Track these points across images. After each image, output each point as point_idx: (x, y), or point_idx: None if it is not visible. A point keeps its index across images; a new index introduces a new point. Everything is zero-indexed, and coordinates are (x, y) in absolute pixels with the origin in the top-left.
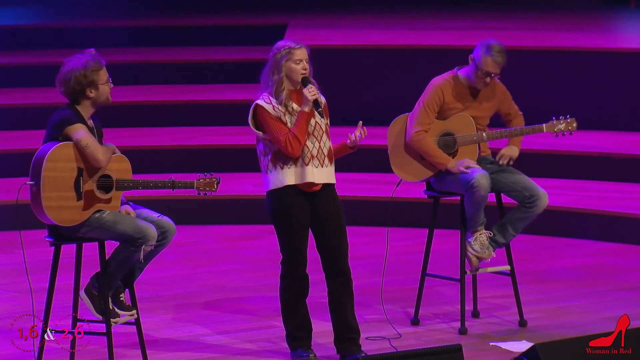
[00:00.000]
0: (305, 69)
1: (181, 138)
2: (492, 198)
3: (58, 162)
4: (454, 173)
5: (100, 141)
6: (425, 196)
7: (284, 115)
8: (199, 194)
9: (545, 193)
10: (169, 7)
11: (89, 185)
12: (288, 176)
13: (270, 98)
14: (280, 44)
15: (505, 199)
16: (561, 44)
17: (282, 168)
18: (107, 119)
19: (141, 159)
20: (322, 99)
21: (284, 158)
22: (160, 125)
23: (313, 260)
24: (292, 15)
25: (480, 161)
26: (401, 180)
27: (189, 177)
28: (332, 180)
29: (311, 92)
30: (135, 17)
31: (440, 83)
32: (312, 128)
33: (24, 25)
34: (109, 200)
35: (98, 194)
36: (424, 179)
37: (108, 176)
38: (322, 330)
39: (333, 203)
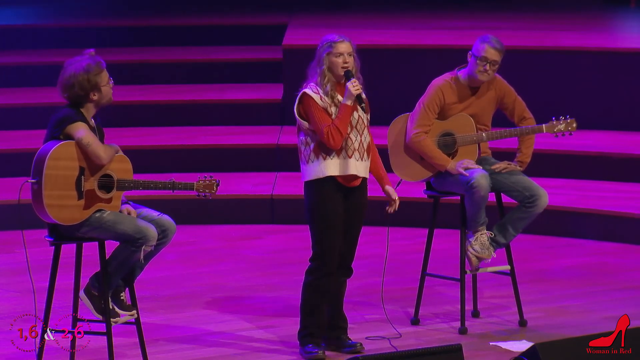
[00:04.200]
0: (346, 63)
1: (181, 138)
2: (492, 198)
3: (60, 160)
4: (453, 174)
5: (101, 140)
6: (425, 196)
7: (330, 106)
8: (198, 195)
9: (546, 193)
10: (169, 7)
11: (90, 184)
12: (330, 167)
13: (318, 88)
14: (325, 37)
15: (506, 198)
16: (561, 43)
17: (324, 159)
18: (107, 119)
19: (141, 159)
20: (363, 96)
21: (326, 149)
22: (160, 125)
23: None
24: (292, 15)
25: (481, 161)
26: (401, 180)
27: (189, 177)
28: (367, 175)
29: (355, 86)
30: (135, 16)
31: (440, 84)
32: (355, 121)
33: (24, 25)
34: (109, 200)
35: (99, 193)
36: (424, 179)
37: (109, 176)
38: None
39: (362, 200)
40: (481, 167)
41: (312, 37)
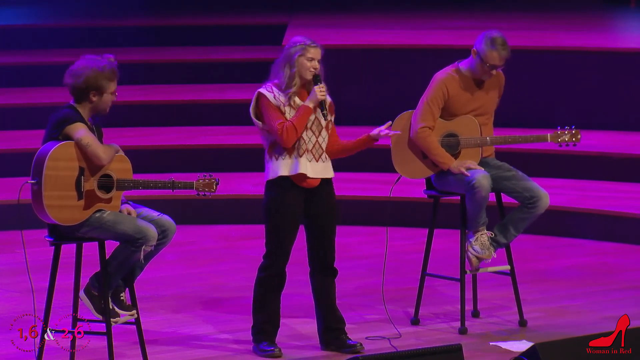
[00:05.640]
0: (315, 68)
1: (181, 138)
2: (492, 198)
3: (59, 161)
4: (455, 173)
5: (100, 141)
6: (426, 196)
7: (284, 106)
8: (198, 194)
9: (547, 194)
10: (168, 7)
11: (90, 184)
12: (282, 167)
13: (273, 88)
14: (296, 38)
15: (506, 198)
16: (561, 43)
17: (276, 159)
18: (107, 119)
19: (141, 159)
20: (328, 99)
21: (279, 149)
22: (160, 125)
23: (301, 261)
24: (292, 15)
25: (483, 163)
26: (400, 176)
27: (189, 177)
28: (329, 175)
29: (322, 91)
30: (135, 17)
31: (443, 78)
32: (311, 123)
33: (24, 25)
34: (109, 200)
35: (99, 193)
36: (425, 177)
37: (109, 176)
38: (314, 331)
39: (328, 200)
40: (483, 169)
41: (312, 37)
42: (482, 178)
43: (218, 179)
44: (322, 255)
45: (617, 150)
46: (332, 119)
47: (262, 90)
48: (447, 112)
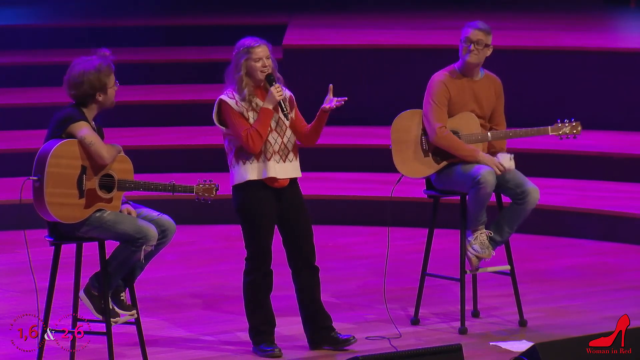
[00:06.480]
0: (265, 67)
1: (181, 138)
2: (492, 197)
3: (62, 158)
4: (485, 163)
5: None
6: (426, 196)
7: (247, 111)
8: (197, 199)
9: (536, 188)
10: (168, 7)
11: (92, 183)
12: (250, 171)
13: (234, 94)
14: (240, 42)
15: (506, 199)
16: (561, 43)
17: (244, 163)
18: (108, 118)
19: (141, 159)
20: (288, 93)
21: (246, 154)
22: (160, 125)
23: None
24: (292, 15)
25: None
26: (401, 176)
27: (189, 177)
28: (297, 175)
29: (278, 91)
30: (135, 17)
31: (442, 78)
32: (275, 124)
33: (24, 25)
34: (110, 200)
35: (100, 193)
36: (426, 175)
37: (110, 176)
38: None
39: (298, 199)
40: (507, 159)
41: (312, 37)
42: (487, 174)
43: (218, 185)
44: (304, 254)
45: (617, 150)
46: (293, 116)
47: (224, 97)
48: (448, 113)
